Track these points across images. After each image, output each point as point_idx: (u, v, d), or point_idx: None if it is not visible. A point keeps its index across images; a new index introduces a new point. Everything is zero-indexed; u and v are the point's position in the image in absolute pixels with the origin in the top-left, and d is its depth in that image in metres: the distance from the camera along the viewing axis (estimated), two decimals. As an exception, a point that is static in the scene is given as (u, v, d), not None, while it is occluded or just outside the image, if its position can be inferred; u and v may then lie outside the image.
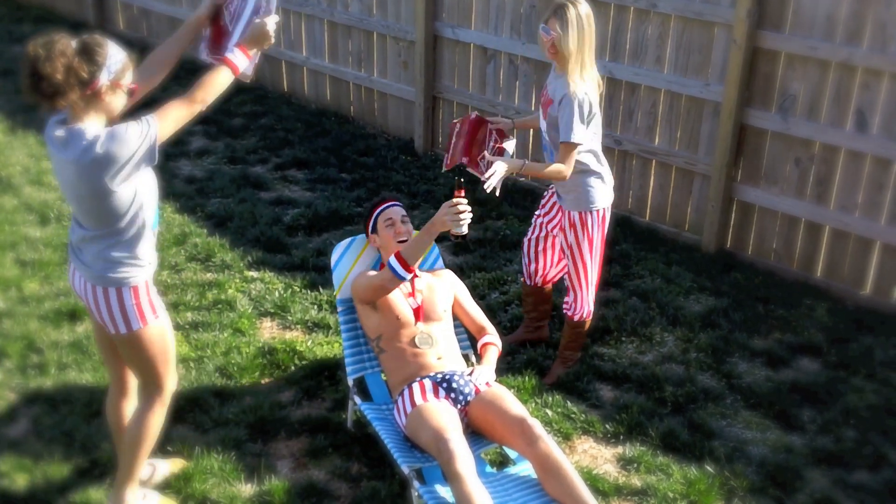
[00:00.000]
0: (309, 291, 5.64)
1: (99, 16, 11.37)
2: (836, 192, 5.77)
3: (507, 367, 4.97)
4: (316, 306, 5.49)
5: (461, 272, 5.81)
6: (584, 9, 4.36)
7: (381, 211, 4.38)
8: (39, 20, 11.69)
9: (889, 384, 4.96)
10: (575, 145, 4.40)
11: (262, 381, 4.79)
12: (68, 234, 3.53)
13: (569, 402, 4.72)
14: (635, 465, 4.31)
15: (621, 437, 4.50)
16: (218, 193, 7.05)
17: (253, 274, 5.83)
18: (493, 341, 4.36)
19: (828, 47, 5.56)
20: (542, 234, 4.94)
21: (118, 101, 3.34)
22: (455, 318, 4.51)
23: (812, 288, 5.90)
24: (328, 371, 4.84)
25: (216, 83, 3.54)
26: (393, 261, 4.08)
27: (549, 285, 5.15)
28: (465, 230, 4.02)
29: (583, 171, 4.55)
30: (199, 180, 7.29)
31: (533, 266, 5.05)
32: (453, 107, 7.80)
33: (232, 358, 4.92)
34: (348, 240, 4.61)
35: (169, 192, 6.95)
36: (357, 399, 4.33)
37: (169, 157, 7.64)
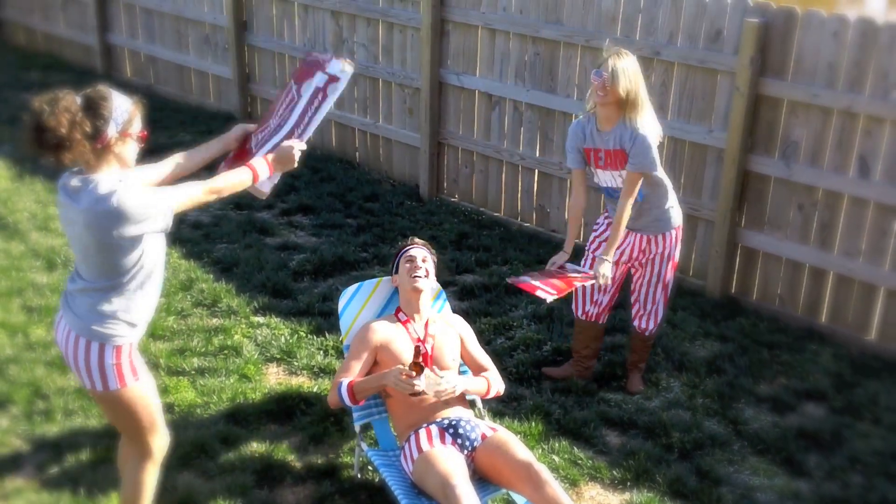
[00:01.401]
0: (315, 337, 5.65)
1: (106, 64, 11.50)
2: (839, 238, 5.79)
3: (514, 412, 4.97)
4: (322, 352, 5.49)
5: (467, 317, 5.81)
6: (632, 57, 4.70)
7: (405, 251, 4.45)
8: (47, 68, 11.82)
9: (895, 430, 4.94)
10: (648, 175, 4.75)
11: (269, 428, 4.78)
12: (66, 282, 3.54)
13: (575, 448, 4.70)
14: (643, 512, 4.29)
15: (629, 483, 4.48)
16: (224, 239, 7.08)
17: (259, 319, 5.84)
18: (488, 377, 4.37)
19: (830, 94, 5.62)
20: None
21: (130, 150, 3.37)
22: (479, 338, 4.55)
23: (817, 333, 5.90)
24: (334, 417, 4.83)
25: (234, 181, 3.63)
26: (344, 390, 4.12)
27: (604, 320, 5.26)
28: (420, 388, 3.97)
29: (660, 196, 4.89)
30: (206, 226, 7.33)
31: (604, 301, 5.19)
32: (458, 153, 7.86)
33: (238, 404, 4.92)
34: (356, 285, 4.63)
35: (175, 237, 6.98)
36: (364, 445, 4.32)
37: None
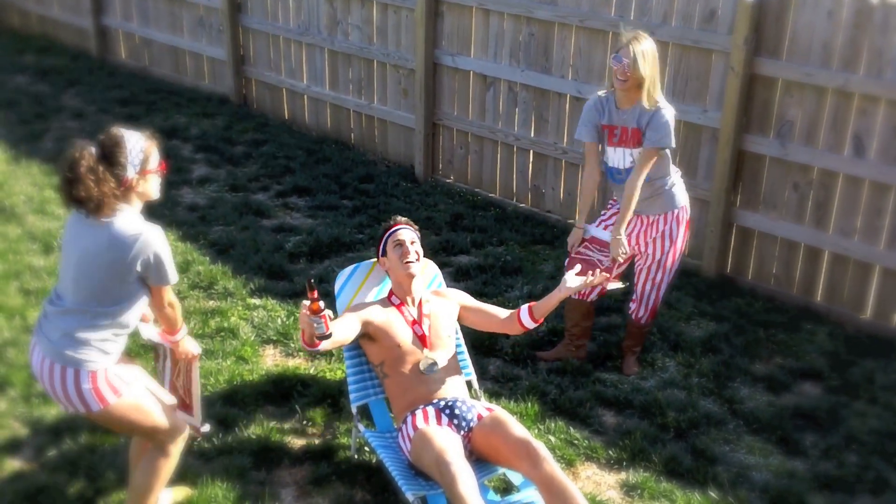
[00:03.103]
0: (311, 319, 5.65)
1: (101, 46, 11.45)
2: (834, 217, 5.80)
3: (510, 393, 4.99)
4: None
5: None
6: (650, 40, 4.76)
7: (391, 233, 4.36)
8: (42, 51, 11.77)
9: (891, 408, 4.97)
10: (664, 151, 4.79)
11: (266, 409, 4.80)
12: (41, 308, 3.56)
13: (571, 429, 4.73)
14: (639, 491, 4.31)
15: (624, 463, 4.51)
16: (220, 221, 7.08)
17: (255, 301, 5.85)
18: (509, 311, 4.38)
19: (824, 74, 5.61)
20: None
21: (152, 186, 3.50)
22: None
23: (812, 312, 5.92)
24: (331, 398, 4.85)
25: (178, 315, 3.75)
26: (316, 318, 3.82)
27: (593, 298, 5.26)
28: (322, 330, 3.78)
29: (662, 176, 4.91)
30: (202, 208, 7.33)
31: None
32: (453, 133, 7.85)
33: (235, 386, 4.94)
34: (351, 266, 4.63)
35: (172, 220, 6.98)
36: (361, 427, 4.34)
37: (171, 186, 7.68)
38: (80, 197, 3.29)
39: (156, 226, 3.47)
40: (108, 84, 10.40)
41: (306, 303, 3.71)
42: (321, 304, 3.73)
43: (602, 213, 5.20)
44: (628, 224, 4.98)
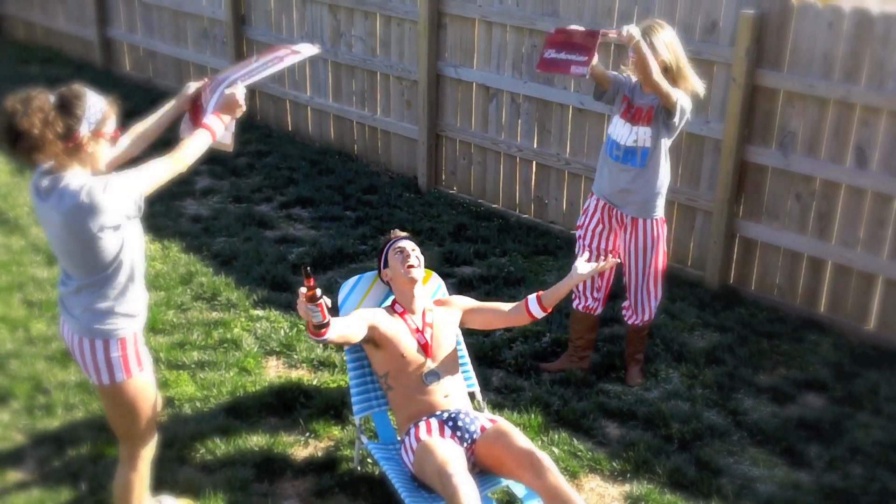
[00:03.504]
0: (314, 330, 5.65)
1: (105, 57, 11.48)
2: (837, 228, 5.80)
3: (513, 404, 4.98)
4: (321, 345, 5.50)
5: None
6: (667, 27, 4.79)
7: (392, 244, 4.37)
8: (47, 62, 11.80)
9: (895, 419, 4.96)
10: (677, 100, 4.72)
11: (269, 421, 4.80)
12: (57, 287, 3.55)
13: (575, 440, 4.72)
14: (643, 502, 4.30)
15: (628, 474, 4.50)
16: (223, 232, 7.09)
17: (258, 312, 5.85)
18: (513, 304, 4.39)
19: (826, 85, 5.62)
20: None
21: (101, 151, 3.37)
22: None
23: (816, 323, 5.91)
24: (334, 410, 4.85)
25: (196, 146, 3.61)
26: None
27: (599, 311, 5.30)
28: (318, 319, 3.80)
29: (657, 179, 4.89)
30: (205, 219, 7.34)
31: (602, 293, 5.24)
32: (456, 144, 7.86)
33: (238, 397, 4.94)
34: (355, 278, 4.63)
35: (175, 231, 7.00)
36: (364, 438, 4.34)
37: (175, 197, 7.70)
38: (21, 129, 3.16)
39: (93, 179, 3.28)
40: (112, 95, 10.39)
41: (303, 290, 3.70)
42: (318, 291, 3.70)
43: (581, 217, 5.18)
44: (592, 223, 5.05)
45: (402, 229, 6.96)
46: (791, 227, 6.01)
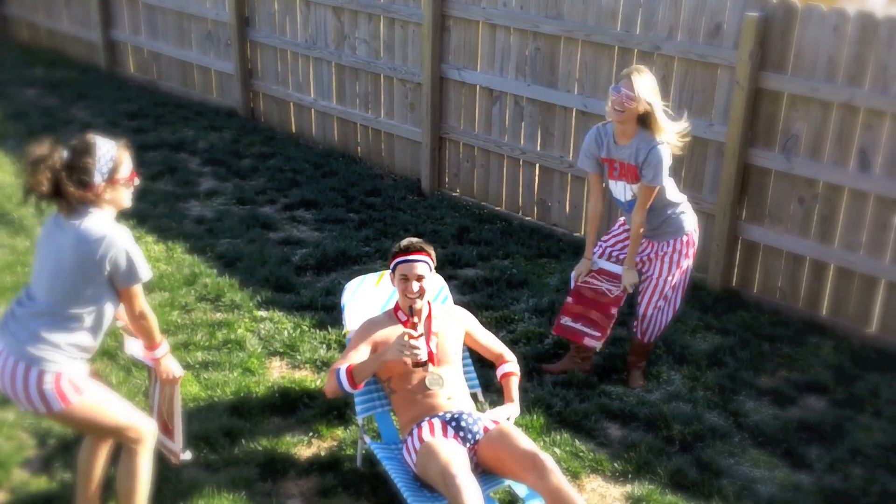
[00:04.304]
0: (318, 331, 5.68)
1: (109, 60, 11.51)
2: (840, 231, 5.81)
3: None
4: (325, 345, 5.52)
5: (468, 310, 5.84)
6: (650, 74, 4.82)
7: (400, 263, 4.25)
8: (51, 64, 11.83)
9: (896, 422, 4.98)
10: (658, 189, 4.86)
11: (272, 421, 4.81)
12: (12, 305, 3.57)
13: (577, 441, 4.73)
14: (644, 503, 4.31)
15: (630, 475, 4.51)
16: (227, 234, 7.11)
17: (262, 314, 5.87)
18: (512, 370, 4.41)
19: (830, 88, 5.63)
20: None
21: (122, 195, 3.52)
22: (471, 351, 4.56)
23: (818, 326, 5.92)
24: (337, 410, 4.86)
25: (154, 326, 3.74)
26: (343, 376, 4.10)
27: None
28: (423, 357, 4.02)
29: (667, 205, 4.96)
30: (209, 221, 7.36)
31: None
32: (459, 147, 7.88)
33: (242, 398, 4.95)
34: (359, 279, 4.65)
35: (179, 232, 7.02)
36: (366, 438, 4.35)
37: (179, 199, 7.73)
38: (30, 188, 3.36)
39: (123, 227, 3.48)
40: (117, 97, 10.46)
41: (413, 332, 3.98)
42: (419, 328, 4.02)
43: (604, 237, 5.24)
44: (614, 241, 5.17)
45: (406, 232, 7.03)
46: (794, 231, 6.02)
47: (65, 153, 3.40)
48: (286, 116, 9.54)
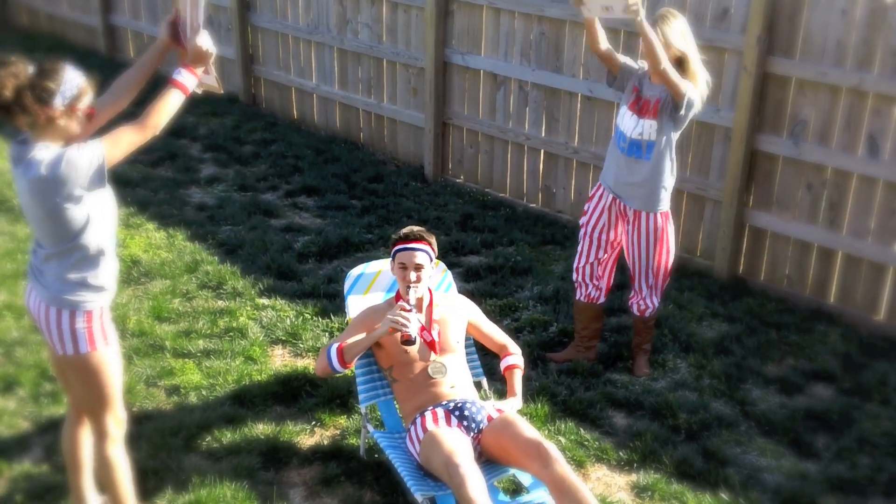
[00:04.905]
0: (320, 319, 5.64)
1: (109, 45, 11.46)
2: (848, 218, 5.76)
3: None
4: (327, 333, 5.48)
5: (472, 298, 5.80)
6: (681, 18, 4.71)
7: (399, 251, 4.22)
8: (51, 49, 11.75)
9: (904, 410, 4.94)
10: (683, 90, 4.64)
11: (274, 409, 4.78)
12: (30, 255, 3.56)
13: (582, 430, 4.70)
14: (649, 492, 4.28)
15: (635, 464, 4.48)
16: (229, 221, 7.07)
17: (264, 301, 5.83)
18: (516, 363, 4.37)
19: (838, 73, 5.57)
20: (607, 251, 5.12)
21: (74, 126, 3.37)
22: (474, 342, 4.51)
23: (825, 314, 5.87)
24: (340, 399, 4.83)
25: (167, 107, 3.58)
26: (333, 353, 4.13)
27: (602, 301, 5.26)
28: (411, 333, 3.99)
29: (663, 172, 4.85)
30: (210, 208, 7.31)
31: (604, 282, 5.21)
32: (463, 133, 7.82)
33: (244, 386, 4.92)
34: (361, 266, 4.61)
35: (180, 219, 6.98)
36: (369, 427, 4.32)
37: (180, 185, 7.68)
38: None
39: (57, 150, 3.28)
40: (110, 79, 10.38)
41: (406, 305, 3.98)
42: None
43: (585, 208, 5.15)
44: (597, 213, 5.05)
45: (409, 218, 6.98)
46: (801, 217, 5.96)
47: (31, 67, 3.31)
48: (288, 102, 9.48)
